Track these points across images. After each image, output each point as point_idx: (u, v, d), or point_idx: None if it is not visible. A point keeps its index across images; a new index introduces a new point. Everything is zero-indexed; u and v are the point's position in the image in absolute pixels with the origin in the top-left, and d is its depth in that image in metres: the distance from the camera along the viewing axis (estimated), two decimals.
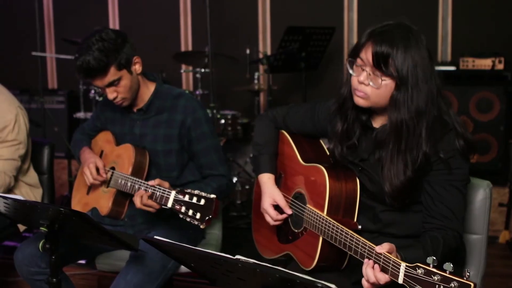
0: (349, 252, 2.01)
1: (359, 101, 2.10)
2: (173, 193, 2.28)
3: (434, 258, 1.65)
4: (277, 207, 2.40)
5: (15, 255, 2.65)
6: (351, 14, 5.95)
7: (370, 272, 1.84)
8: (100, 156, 2.88)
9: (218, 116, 5.22)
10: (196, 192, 2.22)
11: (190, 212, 2.20)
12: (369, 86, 2.04)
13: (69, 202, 3.44)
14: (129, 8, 6.64)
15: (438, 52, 5.65)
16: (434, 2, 5.65)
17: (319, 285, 1.46)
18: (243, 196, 5.38)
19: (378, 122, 2.18)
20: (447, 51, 5.68)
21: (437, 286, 1.62)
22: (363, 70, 2.05)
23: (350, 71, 2.10)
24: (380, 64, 1.99)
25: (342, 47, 5.96)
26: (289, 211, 2.37)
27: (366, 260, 1.88)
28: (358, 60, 2.07)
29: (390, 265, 1.79)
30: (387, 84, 2.02)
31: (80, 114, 5.73)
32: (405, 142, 2.03)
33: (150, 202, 2.45)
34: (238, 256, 1.58)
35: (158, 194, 2.38)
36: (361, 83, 2.06)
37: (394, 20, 2.09)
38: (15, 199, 2.20)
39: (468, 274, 1.60)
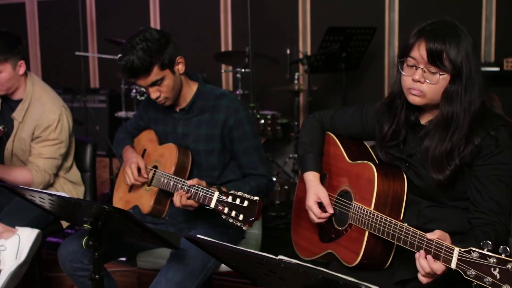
0: (397, 243, 2.01)
1: (415, 99, 2.10)
2: (216, 193, 2.29)
3: (490, 242, 1.64)
4: (321, 206, 2.40)
5: (59, 251, 2.69)
6: (392, 14, 5.89)
7: (424, 262, 1.84)
8: (143, 154, 2.91)
9: (258, 116, 5.22)
10: (240, 193, 2.22)
11: (233, 213, 2.21)
12: (425, 83, 2.05)
13: (110, 200, 3.48)
14: (170, 8, 6.69)
15: (482, 53, 5.56)
16: (478, 2, 5.56)
17: (363, 287, 1.45)
18: (282, 196, 5.38)
19: (425, 119, 2.19)
20: (490, 51, 5.57)
21: (492, 268, 1.61)
22: (416, 68, 2.06)
23: (402, 72, 2.11)
24: (435, 59, 2.01)
25: (383, 48, 5.91)
26: (331, 210, 2.37)
27: (417, 254, 1.88)
28: (410, 60, 2.08)
29: (443, 251, 1.79)
30: (444, 78, 2.03)
31: (121, 113, 5.79)
32: (452, 132, 2.05)
33: (189, 202, 2.47)
34: (280, 256, 1.58)
35: (201, 194, 2.39)
36: (416, 81, 2.06)
37: (437, 18, 2.11)
38: (60, 196, 2.23)
39: None
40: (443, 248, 1.79)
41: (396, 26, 5.87)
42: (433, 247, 1.83)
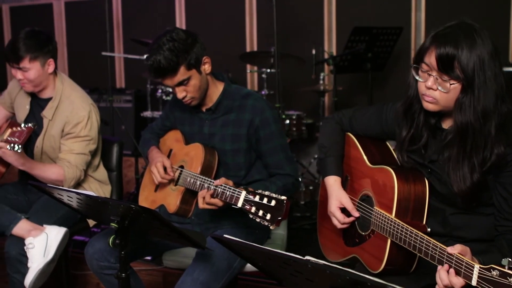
0: (419, 254, 1.98)
1: (428, 106, 2.06)
2: (244, 193, 2.28)
3: (510, 259, 1.61)
4: (344, 210, 2.38)
5: (86, 250, 2.71)
6: (418, 14, 5.85)
7: (444, 275, 1.81)
8: (169, 154, 2.92)
9: (283, 116, 5.22)
10: (267, 193, 2.22)
11: (260, 213, 2.20)
12: (437, 90, 2.01)
13: (136, 199, 3.50)
14: (196, 9, 6.72)
15: (510, 52, 5.49)
16: (507, 0, 5.48)
17: None
18: (307, 196, 5.37)
19: (447, 123, 2.14)
20: None
21: None
22: (429, 75, 2.01)
23: (416, 77, 2.07)
24: (446, 67, 1.95)
25: (409, 48, 5.86)
26: (357, 214, 2.35)
27: (440, 266, 1.85)
28: (423, 65, 2.03)
29: (463, 267, 1.76)
30: (455, 87, 1.97)
31: (147, 113, 5.82)
32: (470, 144, 2.00)
33: (213, 200, 2.47)
34: (308, 257, 1.57)
35: (228, 193, 2.38)
36: (429, 88, 2.02)
37: (456, 20, 2.03)
38: (88, 195, 2.25)
39: None
40: (463, 264, 1.76)
41: (423, 26, 5.82)
42: (453, 262, 1.80)
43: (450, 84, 1.96)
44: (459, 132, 2.01)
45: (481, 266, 1.70)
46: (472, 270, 1.72)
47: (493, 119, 1.97)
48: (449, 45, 1.94)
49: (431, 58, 1.99)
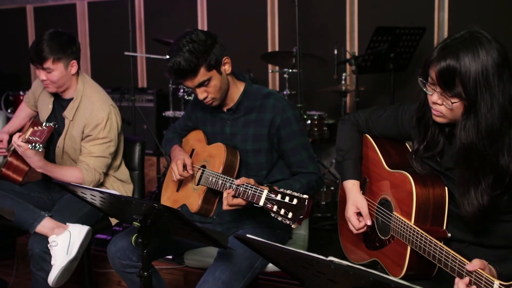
0: (438, 265, 1.96)
1: (436, 119, 2.04)
2: (265, 192, 2.28)
3: None
4: (361, 215, 2.36)
5: (108, 248, 2.73)
6: (441, 13, 5.79)
7: (462, 286, 1.79)
8: (191, 154, 2.93)
9: (305, 116, 5.21)
10: (289, 191, 2.21)
11: (282, 212, 2.20)
12: (443, 105, 1.97)
13: (157, 198, 3.51)
14: (217, 9, 6.72)
15: None
16: None
17: None
18: (328, 197, 5.35)
19: None
20: None
21: None
22: (434, 90, 1.98)
23: (424, 89, 2.03)
24: (447, 84, 1.90)
25: (432, 48, 5.79)
26: (369, 222, 2.33)
27: (457, 279, 1.83)
28: (429, 79, 1.99)
29: (483, 283, 1.74)
30: (457, 106, 1.93)
31: (169, 113, 5.84)
32: (476, 166, 1.94)
33: (236, 201, 2.46)
34: (331, 258, 1.57)
35: (249, 192, 2.38)
36: (434, 103, 1.99)
37: (464, 31, 1.96)
38: (111, 193, 2.26)
39: None
40: (483, 279, 1.75)
41: (446, 26, 5.77)
42: (473, 277, 1.78)
43: (452, 103, 1.93)
44: (462, 152, 1.96)
45: (501, 282, 1.69)
46: (492, 286, 1.71)
47: (500, 139, 1.91)
48: (449, 59, 1.88)
49: (433, 74, 1.95)
